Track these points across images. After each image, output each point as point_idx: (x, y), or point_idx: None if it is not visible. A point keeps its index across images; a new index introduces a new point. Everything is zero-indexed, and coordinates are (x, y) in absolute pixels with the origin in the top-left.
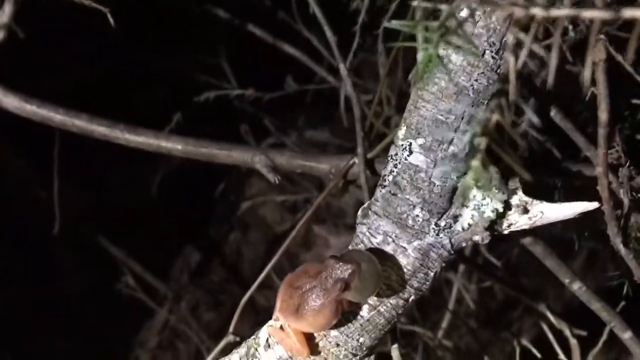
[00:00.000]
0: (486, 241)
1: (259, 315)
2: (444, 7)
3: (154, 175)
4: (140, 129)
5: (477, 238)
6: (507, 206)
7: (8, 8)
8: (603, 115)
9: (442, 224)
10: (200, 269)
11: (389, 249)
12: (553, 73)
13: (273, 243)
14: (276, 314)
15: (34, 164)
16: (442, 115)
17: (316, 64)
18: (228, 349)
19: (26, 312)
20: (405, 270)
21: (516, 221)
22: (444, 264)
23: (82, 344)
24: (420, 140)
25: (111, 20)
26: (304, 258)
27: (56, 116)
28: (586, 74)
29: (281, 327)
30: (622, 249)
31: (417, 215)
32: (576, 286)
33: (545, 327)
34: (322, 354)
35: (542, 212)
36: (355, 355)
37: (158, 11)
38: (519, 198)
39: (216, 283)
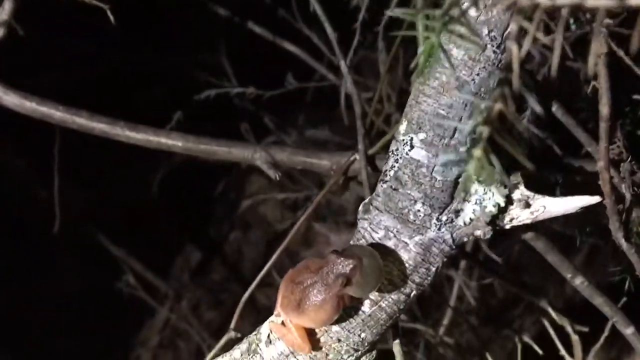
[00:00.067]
0: (488, 236)
1: (259, 313)
2: None
3: (155, 174)
4: (141, 126)
5: (478, 233)
6: (509, 200)
7: (8, 5)
8: (604, 109)
9: (444, 218)
10: (200, 268)
11: (390, 244)
12: (557, 61)
13: (274, 241)
14: (277, 309)
15: (34, 163)
16: (443, 109)
17: (316, 62)
18: (229, 346)
19: (26, 312)
20: (406, 265)
21: (518, 216)
22: (445, 259)
23: (83, 343)
24: (422, 135)
25: (111, 17)
26: (305, 256)
27: (56, 113)
28: (590, 63)
29: (282, 323)
30: (623, 244)
31: (419, 210)
32: (578, 281)
33: (546, 323)
34: (323, 349)
35: (544, 206)
36: (356, 350)
37: (158, 9)
38: (520, 192)
39: (217, 282)
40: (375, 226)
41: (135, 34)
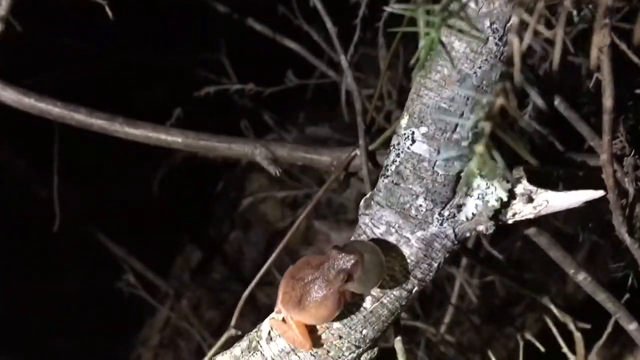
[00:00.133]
0: (490, 231)
1: (260, 312)
2: None
3: (155, 174)
4: (140, 122)
5: (481, 228)
6: (512, 195)
7: (5, 2)
8: (608, 101)
9: (446, 213)
10: (201, 267)
11: (392, 239)
12: (559, 55)
13: (274, 240)
14: (278, 306)
15: (34, 162)
16: (445, 103)
17: (316, 59)
18: (230, 343)
19: (26, 312)
20: (408, 260)
21: (521, 210)
22: (447, 255)
23: (83, 342)
24: (423, 129)
25: (109, 13)
26: (305, 254)
27: (54, 109)
28: (593, 55)
29: (283, 320)
30: (627, 239)
31: (421, 205)
32: (581, 277)
33: (548, 321)
34: (324, 346)
35: (547, 200)
36: (358, 347)
37: (158, 9)
38: (523, 187)
39: (217, 281)
40: (376, 221)
41: (136, 34)
